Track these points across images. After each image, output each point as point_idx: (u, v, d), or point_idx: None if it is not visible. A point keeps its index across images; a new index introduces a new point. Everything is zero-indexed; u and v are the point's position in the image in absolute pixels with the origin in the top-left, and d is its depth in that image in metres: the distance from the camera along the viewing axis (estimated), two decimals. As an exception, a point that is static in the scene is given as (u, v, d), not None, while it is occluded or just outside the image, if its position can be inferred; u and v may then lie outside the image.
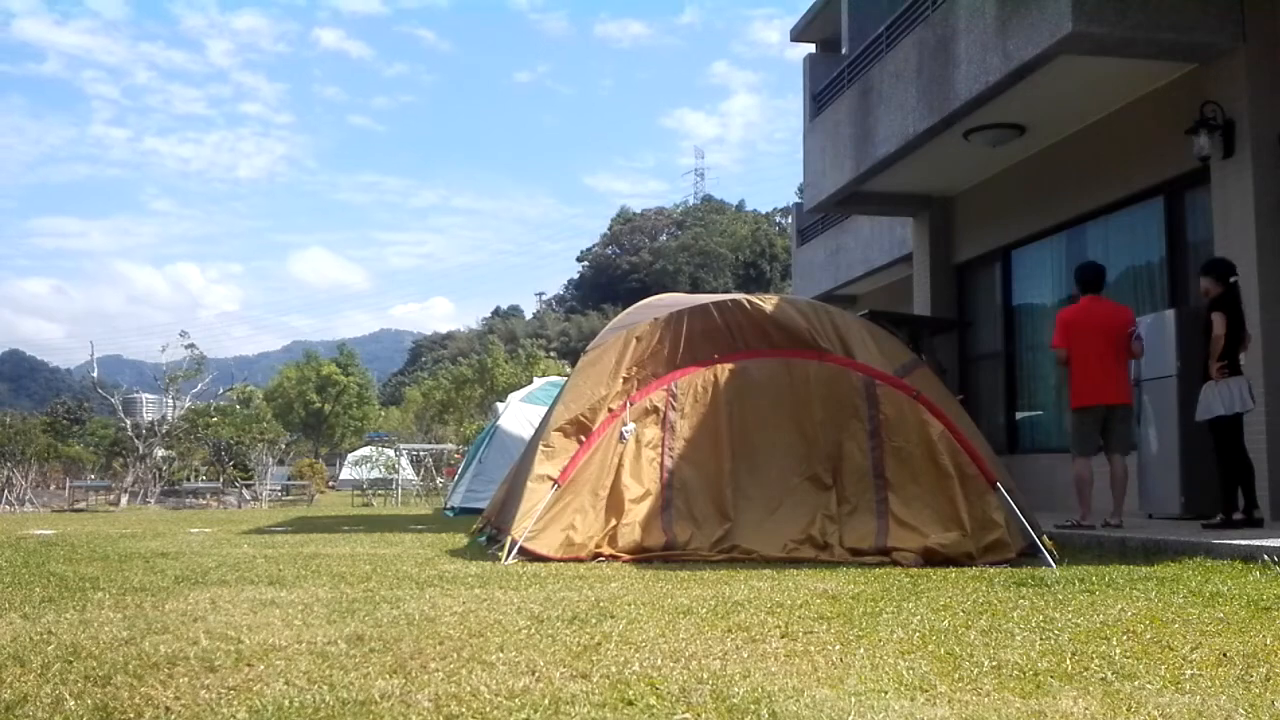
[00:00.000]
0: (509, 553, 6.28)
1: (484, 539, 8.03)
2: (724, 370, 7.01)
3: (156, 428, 23.71)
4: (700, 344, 7.14)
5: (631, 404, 6.90)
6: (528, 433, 12.15)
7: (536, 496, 6.61)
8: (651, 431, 6.87)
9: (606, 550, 6.39)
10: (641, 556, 6.24)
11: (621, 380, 7.06)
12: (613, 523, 6.56)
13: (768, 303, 7.20)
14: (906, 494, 6.45)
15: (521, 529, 6.42)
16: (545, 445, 6.92)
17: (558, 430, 6.91)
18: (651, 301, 8.28)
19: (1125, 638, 3.38)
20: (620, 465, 6.73)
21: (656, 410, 6.92)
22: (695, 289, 78.39)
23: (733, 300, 7.30)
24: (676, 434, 6.87)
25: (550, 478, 6.65)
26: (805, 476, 6.72)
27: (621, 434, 6.79)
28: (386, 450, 27.83)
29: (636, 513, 6.56)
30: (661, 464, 6.80)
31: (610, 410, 6.96)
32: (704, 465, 6.80)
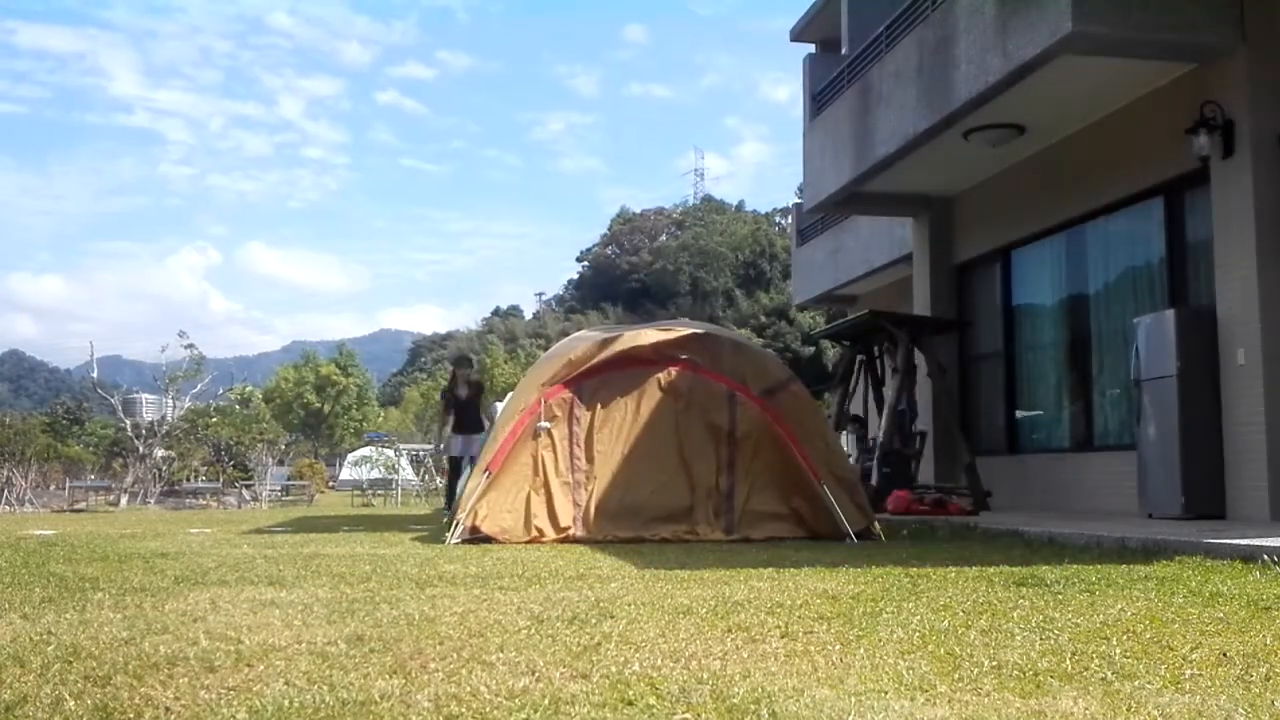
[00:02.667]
0: (454, 533, 7.72)
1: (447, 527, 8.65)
2: (619, 376, 8.43)
3: (156, 428, 23.69)
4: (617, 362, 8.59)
5: (546, 401, 8.23)
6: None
7: (473, 484, 8.08)
8: (561, 428, 8.25)
9: (532, 534, 7.83)
10: (561, 539, 7.82)
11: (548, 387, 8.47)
12: (535, 509, 7.96)
13: (671, 332, 8.68)
14: (754, 487, 8.17)
15: (466, 511, 7.87)
16: (490, 440, 8.50)
17: (499, 429, 8.43)
18: (581, 335, 9.86)
19: (1125, 638, 3.38)
20: (538, 456, 8.10)
21: (565, 407, 8.30)
22: (695, 289, 78.29)
23: (640, 329, 8.91)
24: (581, 429, 8.27)
25: (486, 467, 8.05)
26: (678, 470, 8.21)
27: (536, 429, 8.12)
28: (386, 450, 27.83)
29: (553, 500, 8.02)
30: (571, 456, 8.19)
31: (525, 408, 8.29)
32: (604, 458, 8.24)
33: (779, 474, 8.21)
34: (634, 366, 8.45)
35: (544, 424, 8.13)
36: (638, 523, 7.98)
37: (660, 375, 8.42)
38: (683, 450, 8.26)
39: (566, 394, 8.33)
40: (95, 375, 27.73)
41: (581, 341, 8.93)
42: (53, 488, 23.05)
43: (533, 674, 2.85)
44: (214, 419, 27.92)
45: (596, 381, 8.39)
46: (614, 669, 2.91)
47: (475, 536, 7.75)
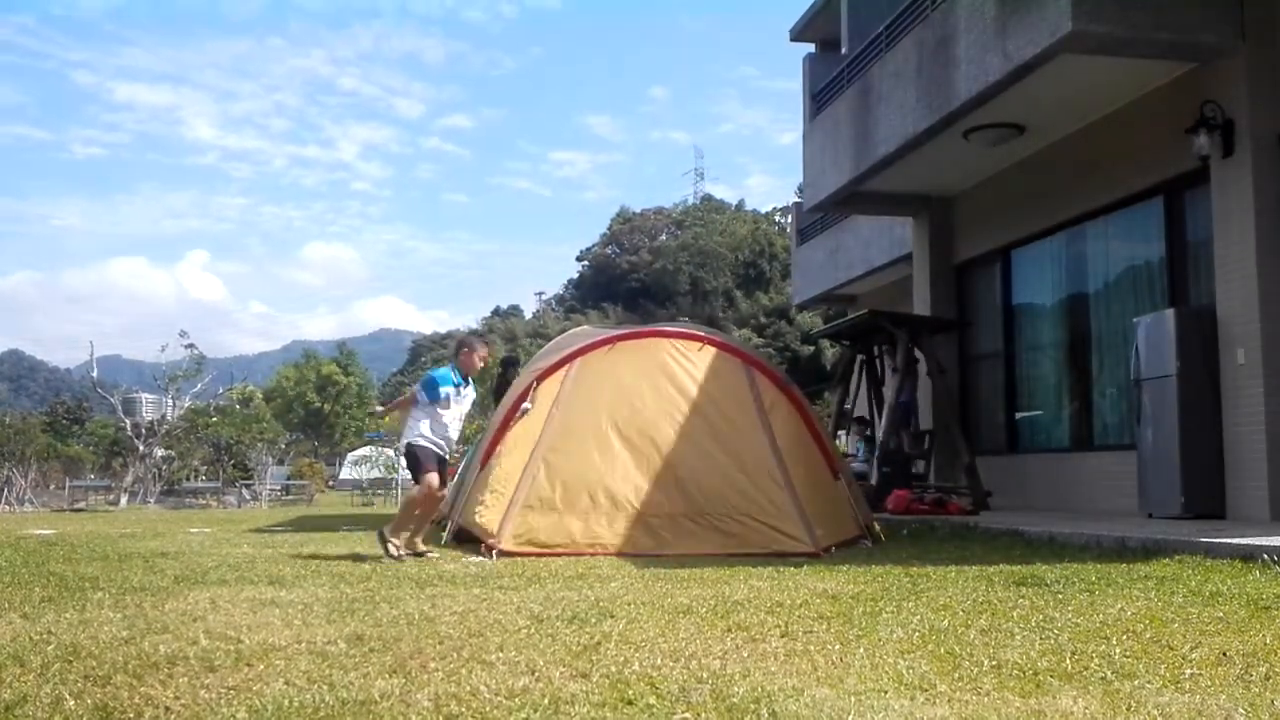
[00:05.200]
0: (449, 532, 7.61)
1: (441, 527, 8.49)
2: (617, 348, 7.73)
3: (156, 427, 23.69)
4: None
5: (539, 382, 7.64)
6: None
7: (471, 482, 7.75)
8: (547, 406, 7.46)
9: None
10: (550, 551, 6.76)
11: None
12: (522, 503, 7.01)
13: (674, 325, 8.28)
14: (795, 476, 7.14)
15: (458, 511, 7.67)
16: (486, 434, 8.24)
17: (492, 423, 8.16)
18: (580, 331, 9.56)
19: (1125, 637, 3.38)
20: (521, 443, 7.33)
21: (557, 385, 7.58)
22: (695, 288, 78.24)
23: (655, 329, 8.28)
24: (567, 411, 7.38)
25: (480, 462, 7.75)
26: (709, 451, 7.14)
27: (522, 410, 7.52)
28: (386, 450, 27.83)
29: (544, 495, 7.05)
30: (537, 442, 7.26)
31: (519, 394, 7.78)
32: (603, 442, 7.24)
33: (811, 462, 7.43)
34: (639, 339, 7.92)
35: (526, 405, 7.57)
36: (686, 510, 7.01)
37: (668, 346, 7.74)
38: (714, 434, 7.26)
39: (559, 375, 7.71)
40: (95, 375, 27.72)
41: (580, 338, 8.69)
42: (53, 487, 23.05)
43: (533, 673, 2.85)
44: (214, 419, 27.90)
45: (592, 358, 7.73)
46: (614, 668, 2.91)
47: (467, 536, 7.44)
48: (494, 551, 6.61)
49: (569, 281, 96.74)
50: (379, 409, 7.78)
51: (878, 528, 7.84)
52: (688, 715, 2.43)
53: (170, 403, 25.26)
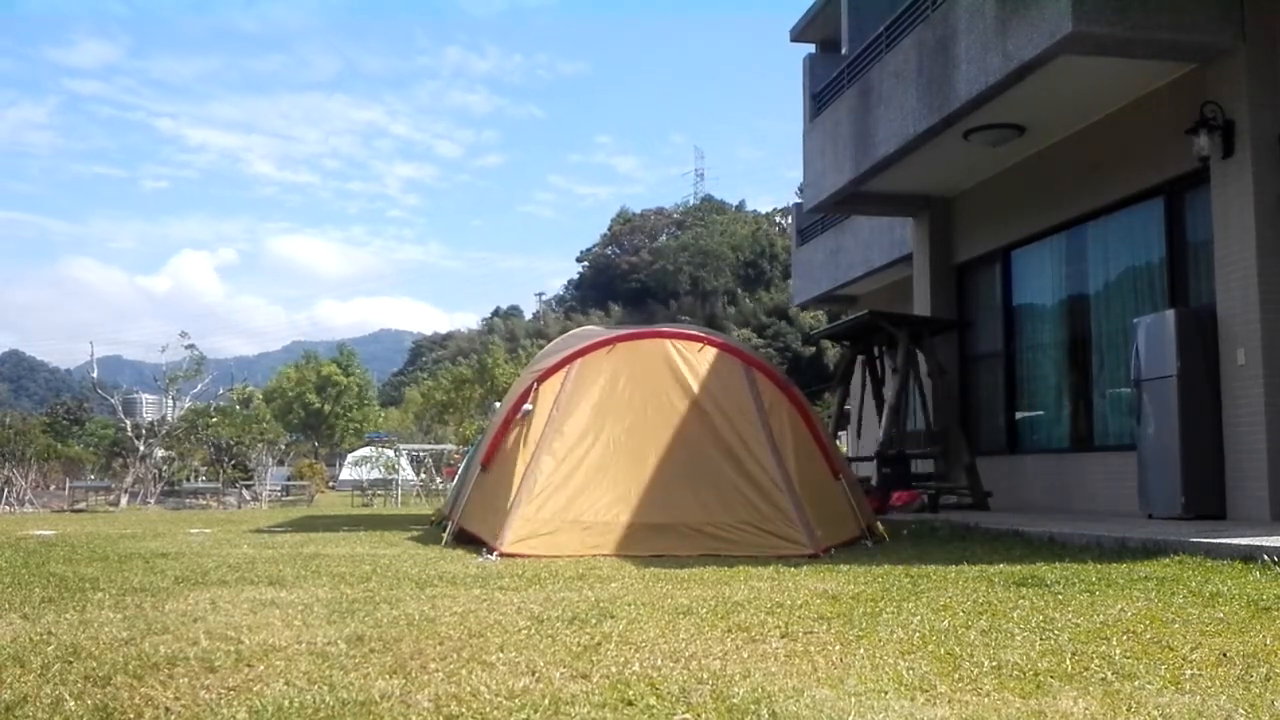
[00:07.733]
0: (449, 533, 7.73)
1: (442, 528, 8.64)
2: (618, 349, 7.71)
3: (156, 428, 23.69)
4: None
5: (539, 383, 7.62)
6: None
7: (472, 483, 7.89)
8: (548, 408, 7.42)
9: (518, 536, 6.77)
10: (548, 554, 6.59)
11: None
12: (524, 505, 6.92)
13: (674, 325, 8.20)
14: (795, 476, 7.11)
15: (459, 512, 7.83)
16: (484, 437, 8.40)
17: (492, 427, 8.24)
18: (581, 331, 9.57)
19: (1125, 638, 3.38)
20: (522, 444, 7.32)
21: (555, 388, 7.53)
22: (695, 289, 78.27)
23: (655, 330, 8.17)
24: (567, 413, 7.35)
25: (481, 464, 7.84)
26: (709, 454, 7.13)
27: (524, 411, 7.50)
28: (386, 450, 27.86)
29: (544, 496, 6.97)
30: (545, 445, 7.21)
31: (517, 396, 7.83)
32: (603, 444, 7.22)
33: (811, 462, 7.47)
34: (639, 340, 7.83)
35: (527, 408, 7.50)
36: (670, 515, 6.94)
37: (668, 347, 7.67)
38: (711, 435, 7.25)
39: (559, 376, 7.64)
40: (95, 375, 27.73)
41: (581, 338, 8.64)
42: (53, 488, 23.05)
43: (533, 674, 2.86)
44: (214, 419, 27.90)
45: (592, 359, 7.67)
46: (614, 669, 2.91)
47: (469, 538, 7.46)
48: (495, 553, 6.60)
49: (569, 282, 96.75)
50: None
51: (881, 528, 7.78)
52: (688, 716, 2.43)
53: (170, 403, 25.26)
